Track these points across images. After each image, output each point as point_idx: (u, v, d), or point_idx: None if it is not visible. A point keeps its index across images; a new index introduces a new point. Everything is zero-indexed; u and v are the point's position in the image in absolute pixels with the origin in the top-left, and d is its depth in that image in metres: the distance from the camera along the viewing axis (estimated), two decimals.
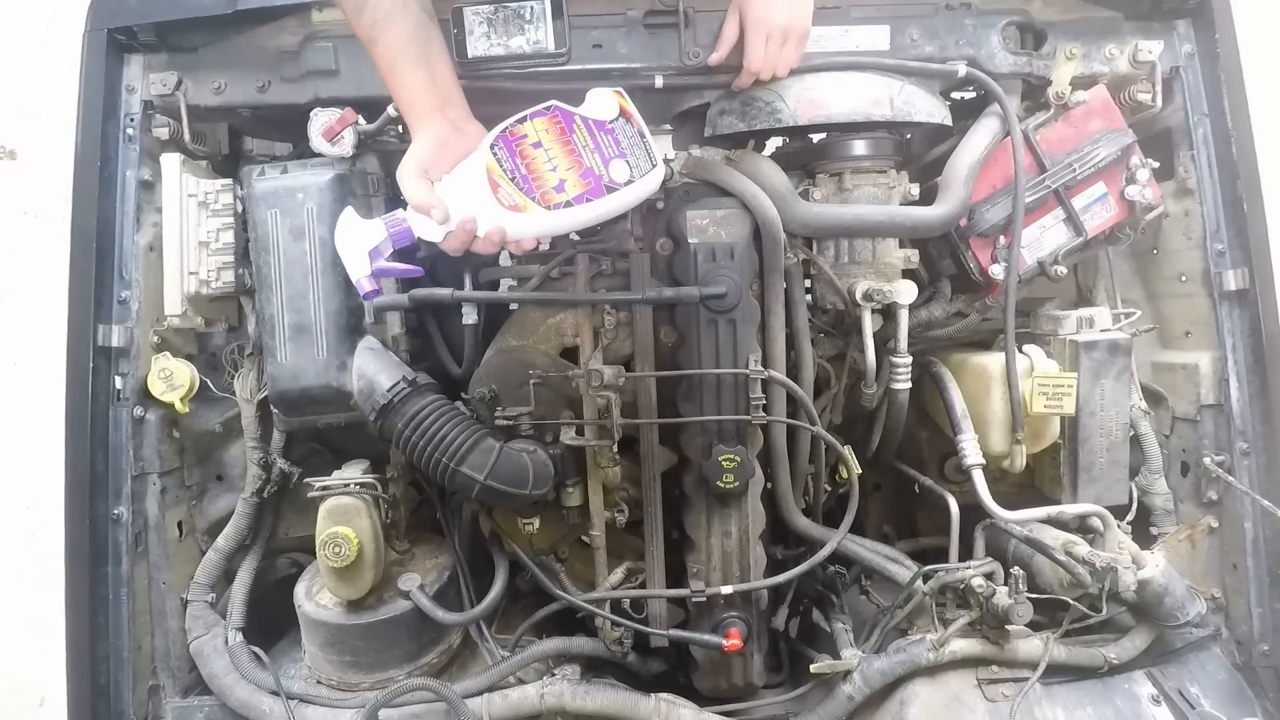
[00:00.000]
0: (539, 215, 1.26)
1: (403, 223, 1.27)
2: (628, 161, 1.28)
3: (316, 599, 1.49)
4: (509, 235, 1.27)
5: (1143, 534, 1.60)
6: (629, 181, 1.28)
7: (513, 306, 1.54)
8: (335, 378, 1.42)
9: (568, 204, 1.26)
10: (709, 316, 1.42)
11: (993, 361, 1.53)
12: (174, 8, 1.47)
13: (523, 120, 1.27)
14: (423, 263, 1.40)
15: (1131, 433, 1.56)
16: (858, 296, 1.47)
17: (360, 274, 1.27)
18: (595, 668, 1.56)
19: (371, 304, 1.45)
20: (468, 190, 1.26)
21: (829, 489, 1.65)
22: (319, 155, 1.46)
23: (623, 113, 1.28)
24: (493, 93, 1.47)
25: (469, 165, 1.27)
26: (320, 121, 1.45)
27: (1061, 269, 1.55)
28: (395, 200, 1.56)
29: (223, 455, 1.69)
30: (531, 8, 1.41)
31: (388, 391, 1.39)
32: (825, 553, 1.49)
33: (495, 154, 1.26)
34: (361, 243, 1.27)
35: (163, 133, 1.52)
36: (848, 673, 1.45)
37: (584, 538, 1.54)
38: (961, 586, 1.44)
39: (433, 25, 1.31)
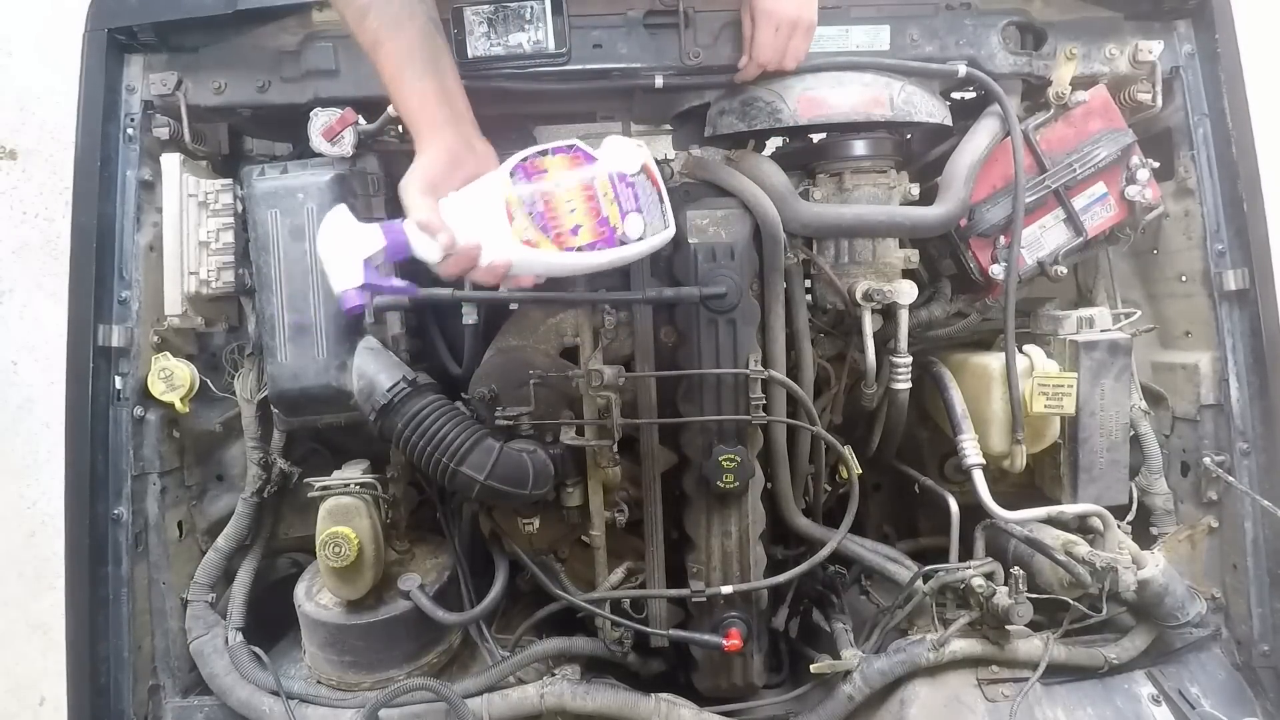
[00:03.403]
0: (551, 255, 1.19)
1: (401, 234, 1.16)
2: (644, 218, 1.23)
3: (316, 599, 1.49)
4: (513, 270, 1.20)
5: (1143, 534, 1.60)
6: (640, 238, 1.23)
7: (513, 306, 1.54)
8: (335, 378, 1.42)
9: (579, 249, 1.20)
10: (709, 316, 1.42)
11: (993, 361, 1.53)
12: (174, 8, 1.47)
13: (544, 154, 1.21)
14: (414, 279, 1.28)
15: (1131, 433, 1.56)
16: (858, 296, 1.47)
17: (348, 284, 1.14)
18: (595, 668, 1.56)
19: (371, 304, 1.45)
20: (478, 216, 1.17)
21: (829, 489, 1.65)
22: (319, 155, 1.46)
23: (644, 169, 1.25)
24: (493, 93, 1.47)
25: (482, 189, 1.19)
26: (320, 121, 1.44)
27: (1061, 269, 1.55)
28: (396, 202, 1.56)
29: (223, 455, 1.69)
30: (531, 7, 1.41)
31: (388, 391, 1.39)
32: (825, 553, 1.49)
33: (515, 183, 1.18)
34: (355, 249, 1.15)
35: (163, 133, 1.52)
36: (848, 673, 1.45)
37: (584, 538, 1.54)
38: (961, 586, 1.44)
39: (440, 37, 1.25)
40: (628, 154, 1.24)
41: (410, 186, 1.18)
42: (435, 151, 1.20)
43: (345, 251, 1.15)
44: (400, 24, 1.20)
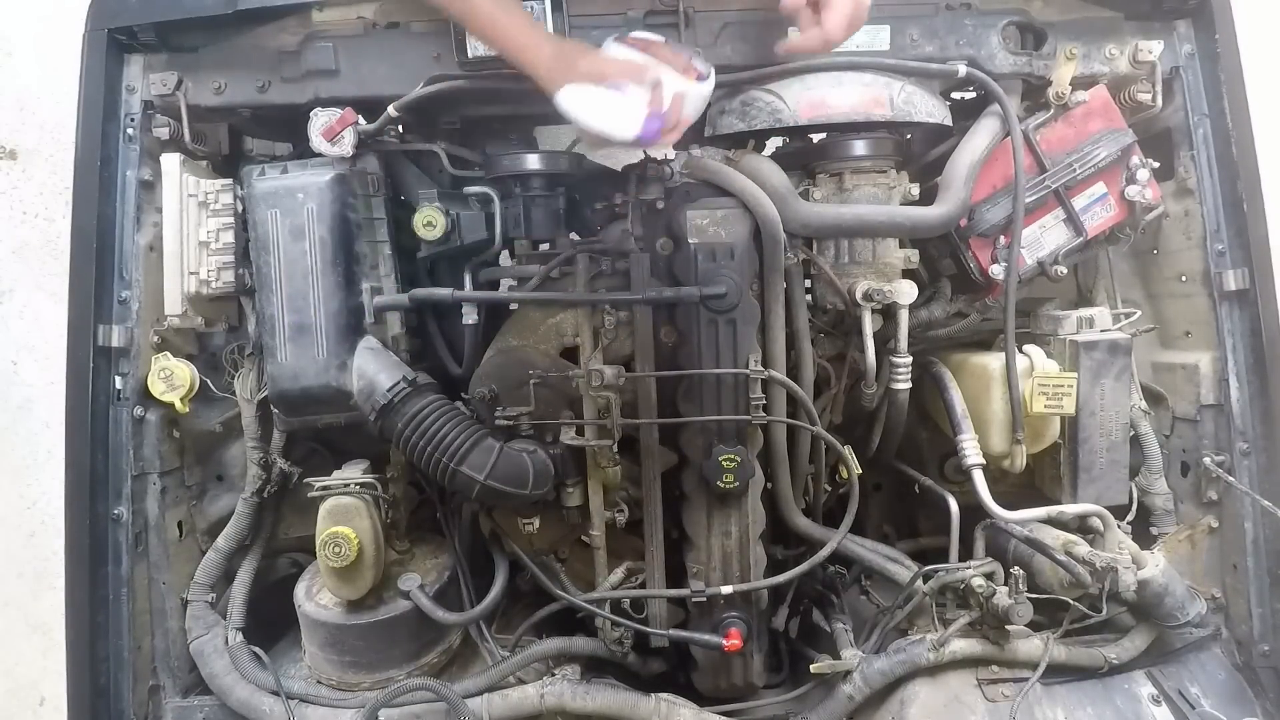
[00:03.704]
0: (697, 84, 1.35)
1: (618, 89, 1.31)
2: (702, 61, 1.39)
3: (316, 599, 1.49)
4: (684, 103, 1.33)
5: (1143, 534, 1.60)
6: (709, 75, 1.38)
7: (513, 306, 1.54)
8: (335, 378, 1.42)
9: (698, 79, 1.36)
10: (709, 316, 1.42)
11: (993, 361, 1.53)
12: (174, 8, 1.47)
13: (616, 39, 1.38)
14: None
15: (1131, 433, 1.56)
16: (858, 296, 1.47)
17: (636, 123, 1.30)
18: (595, 668, 1.56)
19: (372, 304, 1.45)
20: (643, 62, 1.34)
21: (829, 489, 1.65)
22: (319, 155, 1.46)
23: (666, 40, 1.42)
24: (493, 93, 1.47)
25: (617, 51, 1.36)
26: (320, 121, 1.44)
27: (1061, 269, 1.55)
28: (395, 201, 1.57)
29: (223, 455, 1.69)
30: (532, 7, 1.41)
31: (388, 391, 1.39)
32: (825, 553, 1.49)
33: (631, 47, 1.36)
34: (615, 98, 1.31)
35: (163, 133, 1.52)
36: (848, 673, 1.45)
37: (584, 538, 1.54)
38: (961, 586, 1.44)
39: None
40: (649, 35, 1.41)
41: (592, 55, 1.33)
42: (570, 46, 1.35)
43: (605, 107, 1.31)
44: None
